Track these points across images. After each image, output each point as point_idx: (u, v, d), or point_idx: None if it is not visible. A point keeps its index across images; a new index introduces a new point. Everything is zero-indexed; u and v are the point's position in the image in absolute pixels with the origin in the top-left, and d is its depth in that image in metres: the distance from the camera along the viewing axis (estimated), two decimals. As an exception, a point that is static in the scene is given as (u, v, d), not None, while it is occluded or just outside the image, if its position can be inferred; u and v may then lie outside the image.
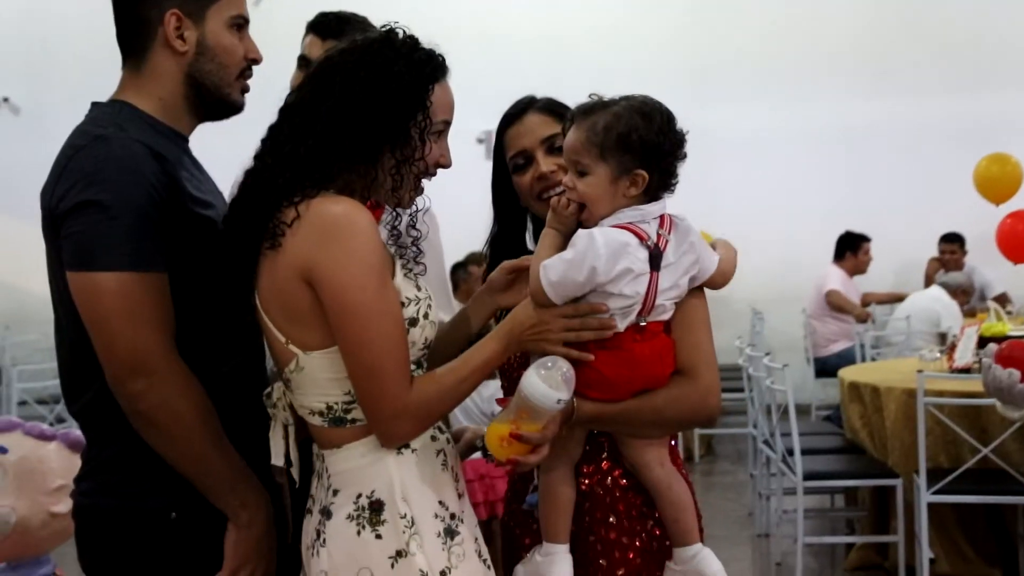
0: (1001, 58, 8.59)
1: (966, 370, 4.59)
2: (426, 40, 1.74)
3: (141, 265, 1.67)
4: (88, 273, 1.67)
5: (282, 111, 1.71)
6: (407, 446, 1.68)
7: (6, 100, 9.30)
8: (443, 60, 1.74)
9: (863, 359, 6.68)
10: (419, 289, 1.72)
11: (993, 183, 7.79)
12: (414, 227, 1.81)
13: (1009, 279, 7.90)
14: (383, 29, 1.73)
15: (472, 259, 5.63)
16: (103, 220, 1.66)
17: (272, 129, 1.71)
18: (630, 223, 1.73)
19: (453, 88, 1.80)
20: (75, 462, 2.86)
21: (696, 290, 1.85)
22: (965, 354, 4.70)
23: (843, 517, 5.28)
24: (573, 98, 1.84)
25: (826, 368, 7.31)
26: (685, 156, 1.79)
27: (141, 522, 1.76)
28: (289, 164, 1.64)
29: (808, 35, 8.70)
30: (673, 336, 1.82)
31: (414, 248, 1.81)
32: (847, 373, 5.15)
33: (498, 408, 1.78)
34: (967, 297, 6.87)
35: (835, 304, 7.58)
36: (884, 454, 4.56)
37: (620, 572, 1.86)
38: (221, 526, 1.78)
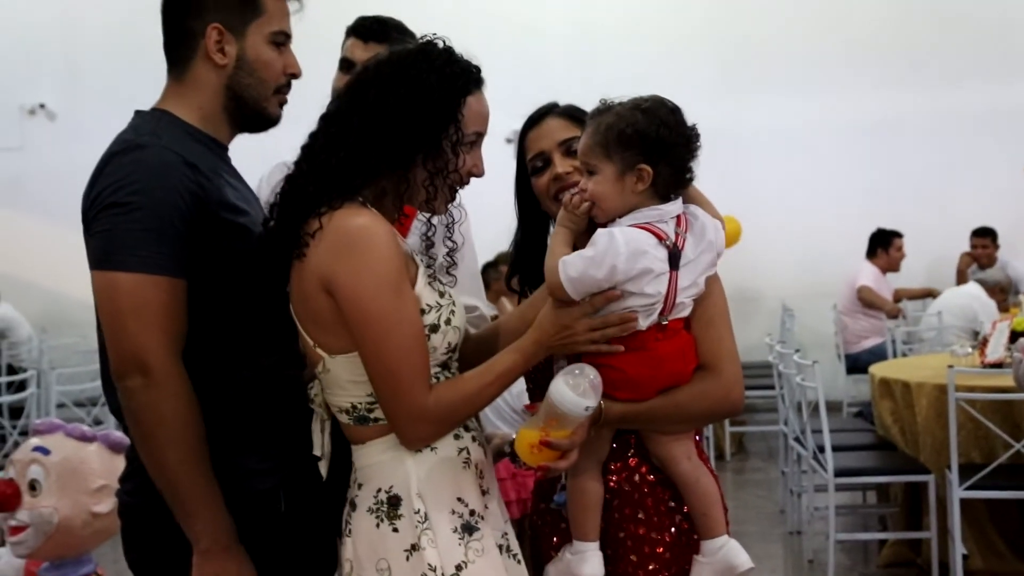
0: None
1: (998, 365, 4.58)
2: (461, 47, 1.77)
3: (155, 269, 1.72)
4: (105, 272, 1.73)
5: (321, 119, 1.77)
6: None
7: (42, 106, 9.43)
8: (478, 72, 1.78)
9: (895, 355, 6.65)
10: (441, 296, 1.76)
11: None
12: (450, 238, 1.85)
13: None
14: (421, 40, 1.77)
15: (502, 259, 5.67)
16: (125, 223, 1.72)
17: (311, 137, 1.76)
18: (648, 223, 1.77)
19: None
20: (116, 462, 2.94)
21: (716, 285, 1.89)
22: (997, 349, 4.68)
23: (875, 513, 5.26)
24: (601, 96, 1.88)
25: (857, 365, 7.28)
26: (696, 150, 1.82)
27: (173, 529, 1.78)
28: (320, 173, 1.70)
29: (838, 27, 8.63)
30: (694, 331, 1.85)
31: (447, 258, 1.85)
32: (878, 369, 5.14)
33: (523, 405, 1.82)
34: (1005, 295, 6.79)
35: (867, 300, 7.55)
36: (916, 450, 4.55)
37: (651, 567, 1.89)
38: (263, 524, 1.82)
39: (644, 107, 1.78)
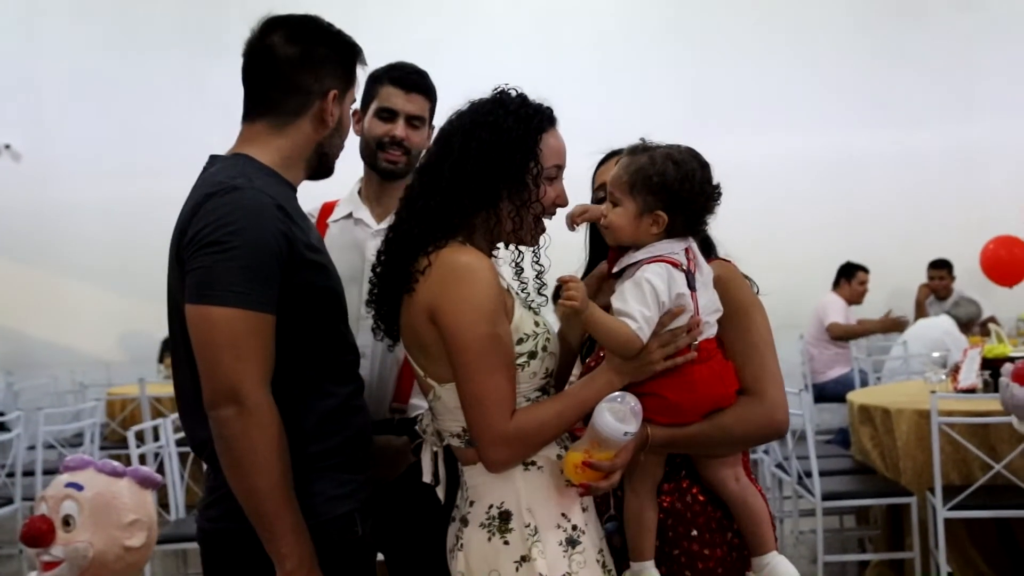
0: (985, 87, 8.84)
1: (971, 390, 4.78)
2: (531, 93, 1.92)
3: (249, 304, 1.81)
4: (202, 306, 1.81)
5: (415, 172, 1.93)
6: (534, 463, 1.85)
7: (7, 147, 9.36)
8: (550, 112, 1.92)
9: (863, 384, 6.84)
10: (537, 325, 1.88)
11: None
12: (538, 262, 1.99)
13: (998, 304, 8.10)
14: (495, 91, 1.92)
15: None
16: (223, 260, 1.81)
17: (408, 188, 1.92)
18: (661, 255, 1.91)
19: None
20: (145, 497, 2.97)
21: (760, 315, 2.03)
22: (969, 375, 4.87)
23: (854, 536, 5.42)
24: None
25: (824, 394, 7.48)
26: (715, 207, 1.97)
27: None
28: (421, 218, 1.84)
29: (804, 66, 8.92)
30: (739, 357, 1.98)
31: (537, 280, 1.99)
32: (856, 396, 5.31)
33: None
34: (975, 329, 6.94)
35: (837, 335, 7.76)
36: (896, 473, 4.71)
37: None
38: (340, 547, 1.91)
39: (676, 159, 1.92)
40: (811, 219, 8.70)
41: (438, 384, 1.84)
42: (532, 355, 1.84)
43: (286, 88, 1.98)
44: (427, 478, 1.95)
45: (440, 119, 2.01)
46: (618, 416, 1.79)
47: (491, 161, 1.83)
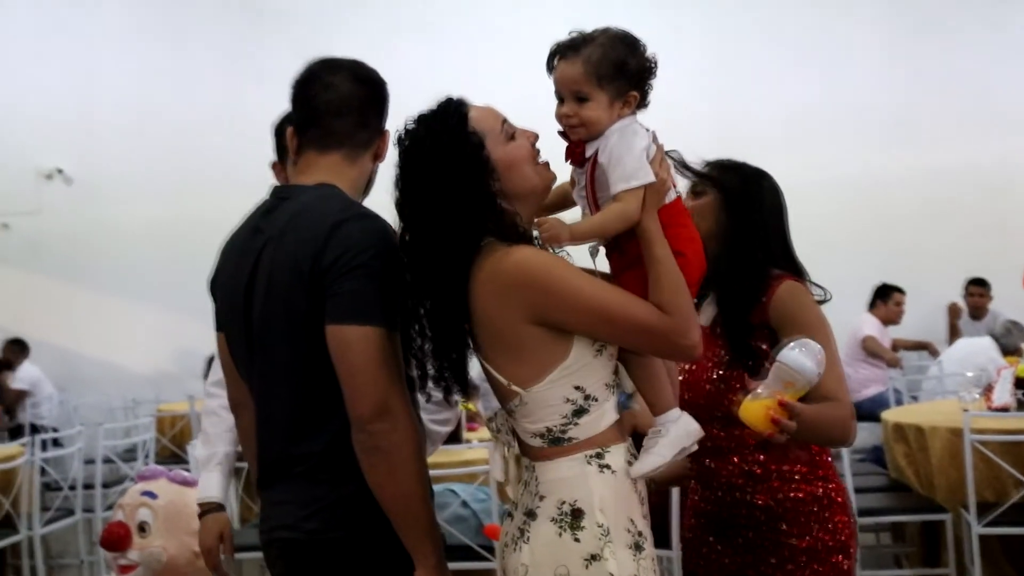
0: (1010, 104, 8.91)
1: (1004, 409, 4.86)
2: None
3: (390, 323, 1.95)
4: (352, 326, 1.92)
5: (398, 207, 1.97)
6: (608, 467, 1.92)
7: (60, 171, 9.67)
8: (459, 102, 1.96)
9: (898, 403, 6.91)
10: None
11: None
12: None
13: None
14: (397, 134, 1.96)
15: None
16: (372, 284, 1.94)
17: (405, 243, 1.95)
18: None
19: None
20: (213, 507, 3.16)
21: (828, 329, 2.30)
22: (1003, 394, 4.95)
23: (889, 553, 5.49)
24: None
25: (859, 413, 7.46)
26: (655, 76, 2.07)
27: (381, 553, 1.98)
28: (444, 248, 1.90)
29: (828, 86, 9.03)
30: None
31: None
32: (891, 415, 5.39)
33: None
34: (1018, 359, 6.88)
35: (871, 350, 7.84)
36: (930, 490, 4.80)
37: None
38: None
39: (625, 40, 2.00)
40: (839, 239, 8.70)
41: (524, 390, 1.90)
42: None
43: (360, 124, 2.14)
44: (499, 476, 2.05)
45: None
46: (812, 359, 1.96)
47: (459, 184, 1.88)
